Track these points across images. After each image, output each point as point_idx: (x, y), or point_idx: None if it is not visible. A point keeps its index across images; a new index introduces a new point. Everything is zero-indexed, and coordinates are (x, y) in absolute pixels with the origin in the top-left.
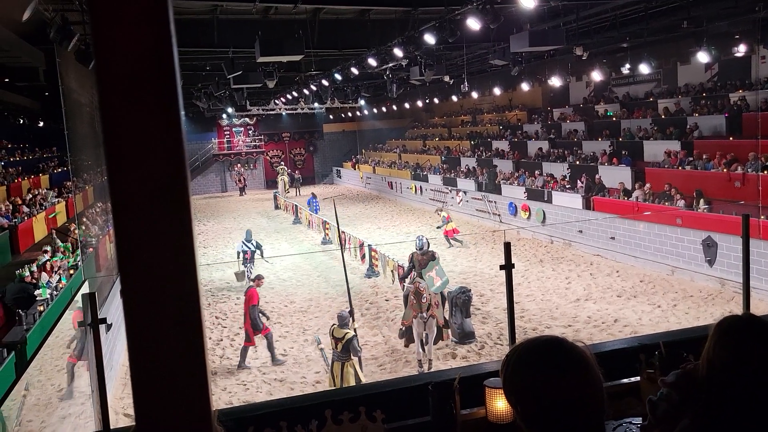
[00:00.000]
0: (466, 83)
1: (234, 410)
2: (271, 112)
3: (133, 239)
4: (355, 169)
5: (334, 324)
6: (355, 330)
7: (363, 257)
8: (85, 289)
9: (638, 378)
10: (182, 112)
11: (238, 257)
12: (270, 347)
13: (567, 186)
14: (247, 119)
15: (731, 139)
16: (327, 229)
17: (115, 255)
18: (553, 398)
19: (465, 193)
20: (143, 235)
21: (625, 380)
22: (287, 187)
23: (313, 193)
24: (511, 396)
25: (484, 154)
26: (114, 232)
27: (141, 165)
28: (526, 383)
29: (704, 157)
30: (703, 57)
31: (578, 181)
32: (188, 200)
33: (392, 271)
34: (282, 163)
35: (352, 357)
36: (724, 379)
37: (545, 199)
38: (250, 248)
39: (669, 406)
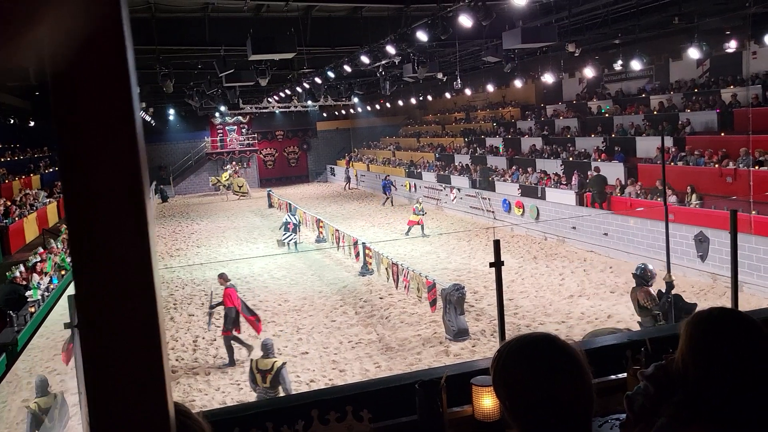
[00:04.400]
0: (459, 80)
1: (219, 411)
2: (264, 111)
3: (87, 240)
4: (349, 166)
5: (254, 358)
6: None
7: (357, 255)
8: (72, 289)
9: (625, 374)
10: (138, 111)
11: (281, 228)
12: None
13: (563, 182)
14: (240, 117)
15: (723, 134)
16: (321, 227)
17: (70, 257)
18: (542, 394)
19: (459, 190)
20: (98, 236)
21: (613, 376)
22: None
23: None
24: (501, 390)
25: (477, 150)
26: (68, 233)
27: (95, 163)
28: (517, 378)
29: (696, 152)
30: (694, 53)
31: (572, 178)
32: (144, 199)
33: (386, 268)
34: (232, 164)
35: (281, 392)
36: (695, 375)
37: (539, 195)
38: (293, 220)
39: (645, 399)
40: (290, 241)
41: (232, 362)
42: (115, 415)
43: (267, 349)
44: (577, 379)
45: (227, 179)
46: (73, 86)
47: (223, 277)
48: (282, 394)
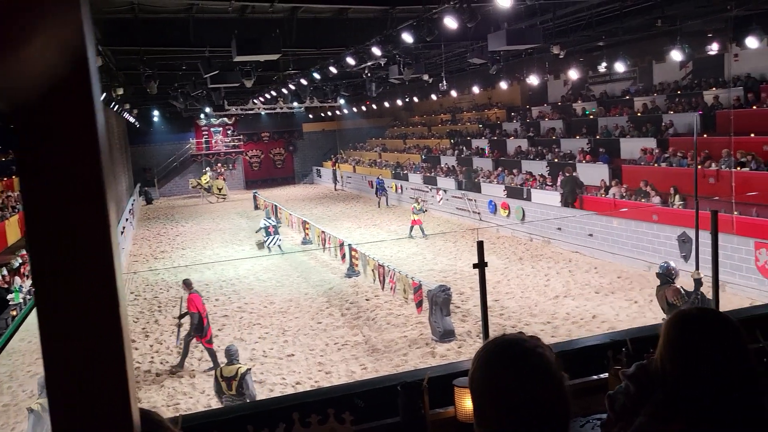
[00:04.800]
0: (444, 82)
1: (201, 415)
2: (249, 112)
3: (46, 244)
4: (335, 167)
5: (219, 366)
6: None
7: (343, 257)
8: None
9: (607, 374)
10: (100, 114)
11: (258, 231)
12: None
13: (548, 183)
14: (225, 119)
15: (705, 136)
16: (307, 229)
17: (29, 261)
18: (509, 400)
19: (445, 191)
20: (57, 239)
21: (594, 377)
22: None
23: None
24: (473, 397)
25: (463, 152)
26: (26, 237)
27: (54, 164)
28: (484, 385)
29: (679, 154)
30: (677, 55)
31: (558, 179)
32: (105, 201)
33: (373, 270)
34: (210, 169)
35: (247, 399)
36: (674, 374)
37: (524, 197)
38: (271, 223)
39: (626, 398)
40: (274, 243)
41: (216, 364)
42: (78, 423)
43: (231, 356)
44: (544, 384)
45: (207, 182)
46: (40, 119)
47: (186, 284)
48: (248, 400)
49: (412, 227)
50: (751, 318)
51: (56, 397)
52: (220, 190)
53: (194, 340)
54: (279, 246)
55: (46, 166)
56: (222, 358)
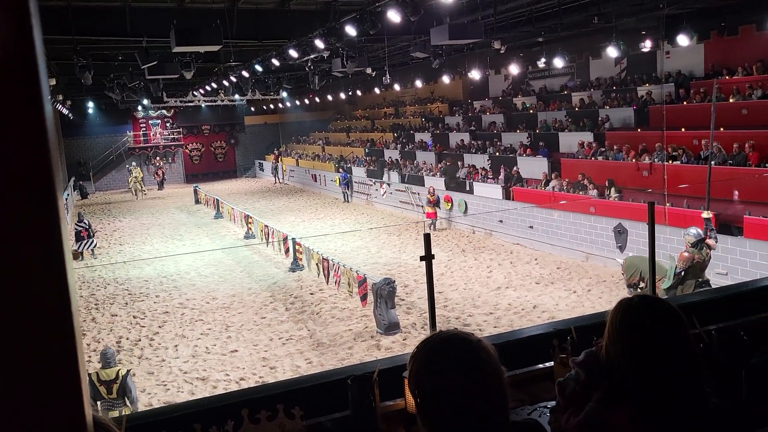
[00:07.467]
0: (388, 75)
1: (144, 414)
2: (189, 104)
3: None
4: (278, 161)
5: (92, 371)
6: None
7: (287, 251)
8: None
9: (552, 363)
10: (47, 98)
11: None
12: None
13: (490, 176)
14: (164, 111)
15: (639, 130)
16: (250, 223)
17: None
18: (458, 392)
19: (389, 185)
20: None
21: (540, 365)
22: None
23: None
24: (416, 389)
25: (407, 145)
26: None
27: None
28: (429, 381)
29: (615, 148)
30: (612, 52)
31: (499, 172)
32: (54, 190)
33: (317, 264)
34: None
35: (128, 403)
36: (620, 360)
37: (467, 189)
38: (83, 227)
39: (576, 385)
40: (88, 247)
41: None
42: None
43: (107, 359)
44: (493, 376)
45: (141, 177)
46: None
47: None
48: (128, 403)
49: (433, 221)
50: (687, 305)
51: (3, 408)
52: (143, 186)
53: None
54: (92, 250)
55: None
56: (97, 363)
